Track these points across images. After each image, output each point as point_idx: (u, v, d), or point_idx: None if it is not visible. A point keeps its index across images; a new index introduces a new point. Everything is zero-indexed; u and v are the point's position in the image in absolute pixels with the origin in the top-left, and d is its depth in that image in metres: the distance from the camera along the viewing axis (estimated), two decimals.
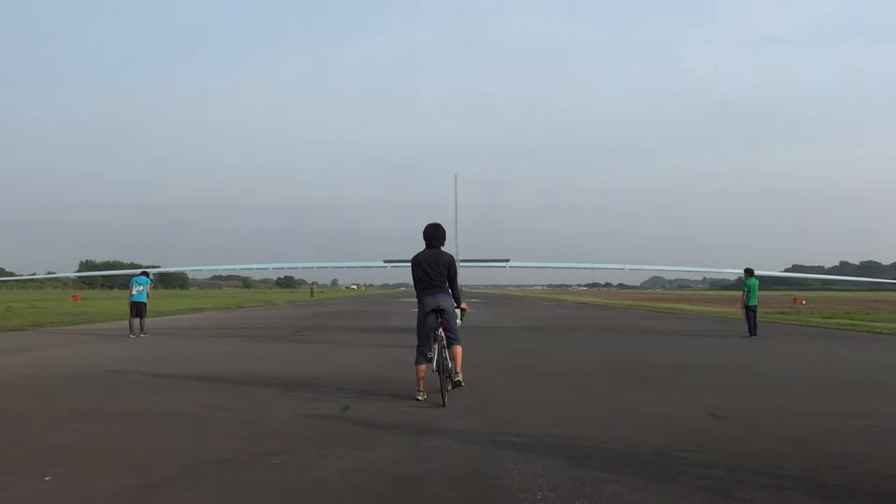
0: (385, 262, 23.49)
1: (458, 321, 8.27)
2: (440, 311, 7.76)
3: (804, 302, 49.05)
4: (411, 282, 8.17)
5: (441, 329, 7.78)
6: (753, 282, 18.34)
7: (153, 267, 20.89)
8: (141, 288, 17.68)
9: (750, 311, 18.10)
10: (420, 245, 8.15)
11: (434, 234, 8.01)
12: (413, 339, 8.31)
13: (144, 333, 17.03)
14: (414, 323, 8.32)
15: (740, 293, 18.81)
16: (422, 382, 7.79)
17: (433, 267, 7.85)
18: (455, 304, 8.09)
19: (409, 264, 8.10)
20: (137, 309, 17.41)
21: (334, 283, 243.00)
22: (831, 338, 19.04)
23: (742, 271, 19.35)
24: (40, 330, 20.19)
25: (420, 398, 7.64)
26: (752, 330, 17.85)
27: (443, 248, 8.11)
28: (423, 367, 7.74)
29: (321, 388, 8.59)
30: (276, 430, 6.16)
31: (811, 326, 24.15)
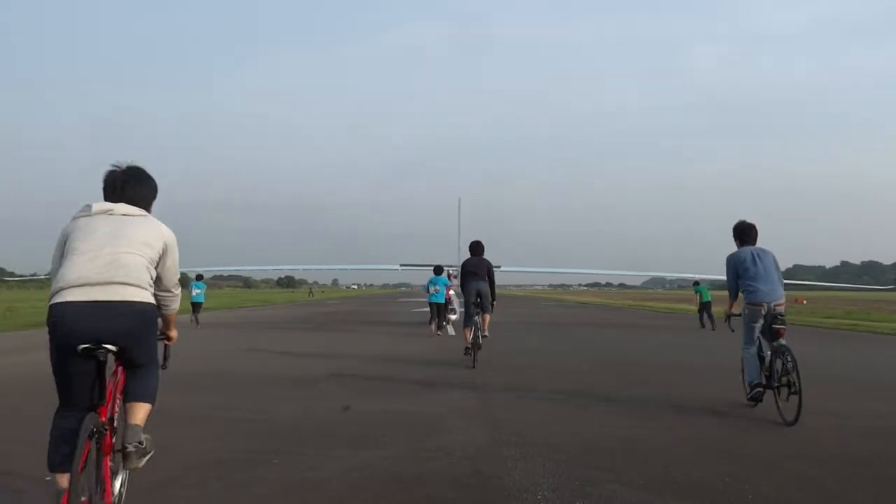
0: (401, 265, 23.70)
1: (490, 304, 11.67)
2: (479, 293, 11.44)
3: (805, 302, 49.09)
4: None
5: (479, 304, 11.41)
6: (702, 287, 23.14)
7: None
8: (199, 291, 22.47)
9: (705, 308, 22.24)
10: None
11: (476, 247, 12.02)
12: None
13: (199, 324, 21.16)
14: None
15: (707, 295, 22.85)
16: (469, 338, 10.91)
17: (477, 267, 11.69)
18: (490, 296, 11.57)
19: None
20: (195, 307, 22.02)
21: (335, 282, 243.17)
22: (831, 337, 19.05)
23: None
24: (41, 330, 20.17)
25: (468, 346, 10.77)
26: (710, 324, 21.60)
27: (483, 257, 11.87)
28: (469, 329, 11.05)
29: (321, 388, 8.61)
30: (276, 429, 6.16)
31: (811, 326, 24.16)
